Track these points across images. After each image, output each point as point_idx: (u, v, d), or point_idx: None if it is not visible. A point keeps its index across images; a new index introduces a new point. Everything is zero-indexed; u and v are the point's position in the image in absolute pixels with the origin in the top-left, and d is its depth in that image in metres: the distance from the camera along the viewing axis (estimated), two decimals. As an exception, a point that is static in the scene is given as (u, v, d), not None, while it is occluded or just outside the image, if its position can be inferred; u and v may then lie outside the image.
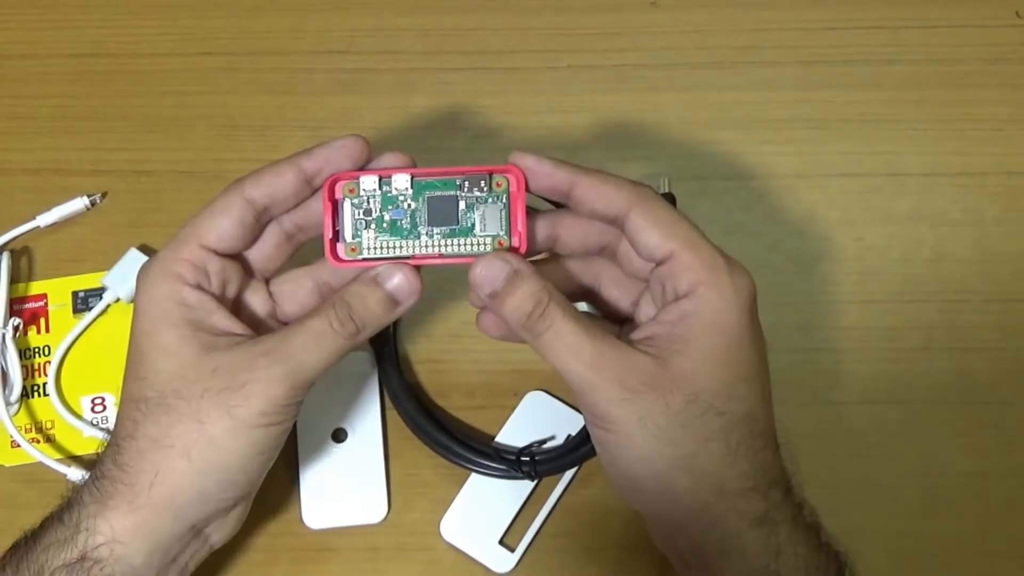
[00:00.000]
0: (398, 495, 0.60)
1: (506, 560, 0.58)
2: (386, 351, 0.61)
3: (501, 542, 0.59)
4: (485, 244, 0.51)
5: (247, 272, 0.53)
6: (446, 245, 0.51)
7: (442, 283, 0.62)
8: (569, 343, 0.48)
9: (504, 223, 0.51)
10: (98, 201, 0.65)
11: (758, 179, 0.65)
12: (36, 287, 0.64)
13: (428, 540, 0.59)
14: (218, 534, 0.53)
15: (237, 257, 0.52)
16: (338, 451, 0.60)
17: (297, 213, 0.52)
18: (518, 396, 0.61)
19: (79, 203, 0.64)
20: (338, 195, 0.51)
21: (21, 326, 0.62)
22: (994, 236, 0.64)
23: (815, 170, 0.65)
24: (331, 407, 0.61)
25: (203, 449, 0.48)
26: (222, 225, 0.50)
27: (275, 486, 0.60)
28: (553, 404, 0.61)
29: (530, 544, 0.59)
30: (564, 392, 0.61)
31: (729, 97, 0.67)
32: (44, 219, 0.64)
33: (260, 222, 0.52)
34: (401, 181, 0.51)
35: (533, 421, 0.60)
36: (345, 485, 0.60)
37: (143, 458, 0.49)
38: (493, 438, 0.60)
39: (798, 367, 0.62)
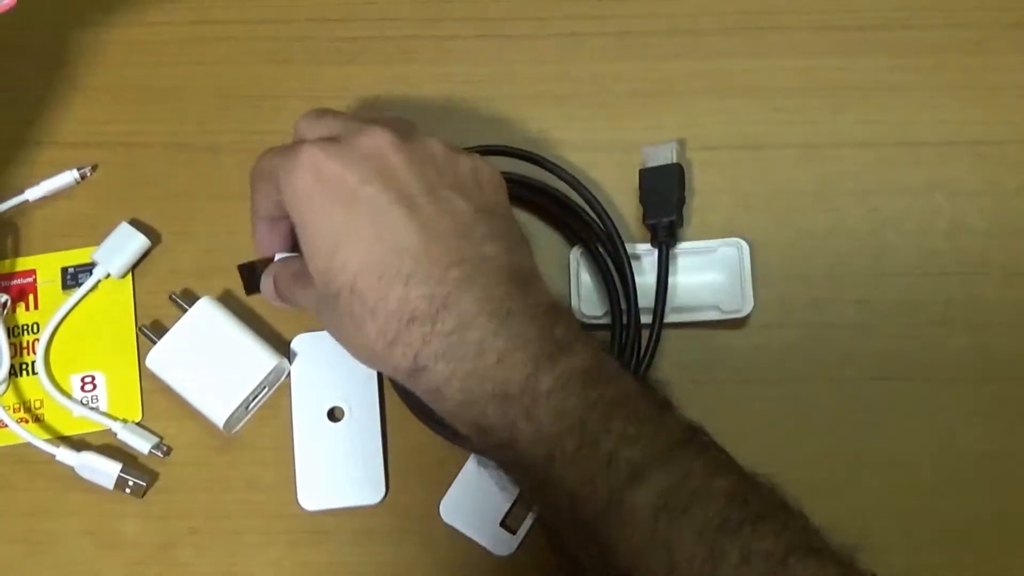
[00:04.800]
0: (396, 476, 0.59)
1: (507, 542, 0.57)
2: (384, 327, 0.59)
3: (502, 524, 0.57)
4: None
5: None
6: None
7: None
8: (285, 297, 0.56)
9: None
10: (88, 174, 0.64)
11: (768, 148, 0.63)
12: (24, 263, 0.63)
13: (427, 522, 0.58)
14: None
15: None
16: (334, 431, 0.59)
17: None
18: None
19: (69, 176, 0.63)
20: None
21: (9, 303, 0.61)
22: (1014, 207, 0.62)
23: (827, 139, 0.63)
24: (327, 385, 0.59)
25: None
26: None
27: (270, 467, 0.59)
28: (556, 381, 0.59)
29: (532, 526, 0.57)
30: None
31: (738, 64, 0.65)
32: (33, 193, 0.63)
33: None
34: None
35: None
36: (342, 466, 0.58)
37: None
38: (494, 417, 0.59)
39: (810, 343, 0.60)
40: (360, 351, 0.50)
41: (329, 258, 0.49)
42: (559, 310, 0.49)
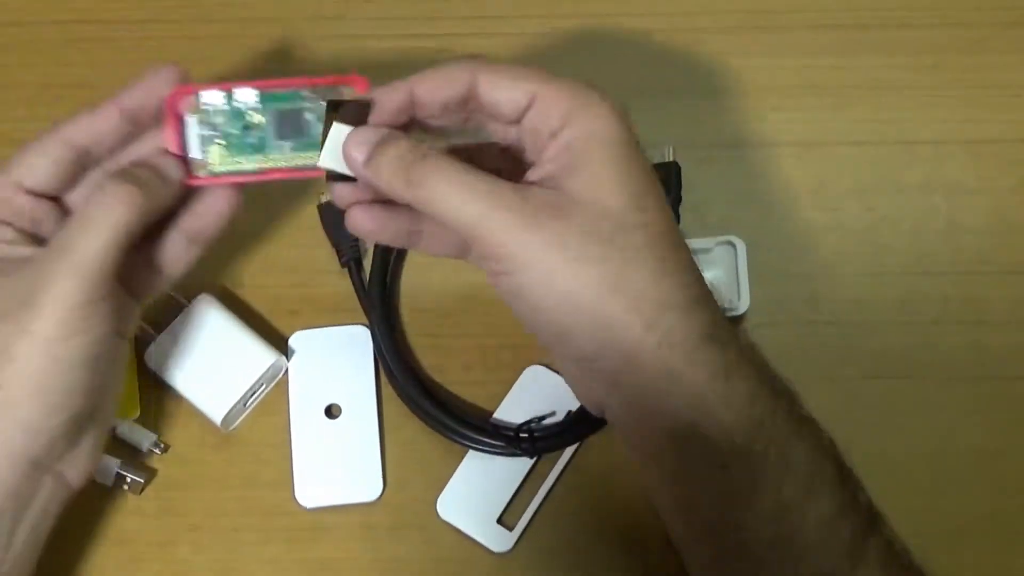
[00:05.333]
0: (393, 473, 0.59)
1: (505, 539, 0.57)
2: (381, 324, 0.59)
3: (499, 520, 0.57)
4: None
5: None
6: (296, 158, 0.51)
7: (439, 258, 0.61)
8: (458, 182, 0.45)
9: None
10: (86, 171, 0.63)
11: (766, 147, 0.63)
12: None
13: (424, 519, 0.58)
14: (73, 471, 0.51)
15: (58, 200, 0.51)
16: (332, 427, 0.59)
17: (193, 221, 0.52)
18: (517, 371, 0.59)
19: (67, 174, 0.63)
20: (182, 110, 0.50)
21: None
22: (1010, 206, 0.62)
23: (825, 138, 0.63)
24: (324, 382, 0.59)
25: (10, 375, 0.46)
26: (34, 162, 0.50)
27: (268, 464, 0.59)
28: (553, 379, 0.59)
29: (529, 523, 0.57)
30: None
31: (736, 63, 0.65)
32: (31, 190, 0.62)
33: (81, 163, 0.50)
34: (246, 94, 0.51)
35: (532, 396, 0.59)
36: (339, 463, 0.58)
37: None
38: (491, 414, 0.59)
39: (807, 341, 0.60)
40: (630, 293, 0.44)
41: (637, 195, 0.45)
42: None
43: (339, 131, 0.48)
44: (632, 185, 0.45)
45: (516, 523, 0.57)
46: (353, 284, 0.61)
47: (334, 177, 0.48)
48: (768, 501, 0.44)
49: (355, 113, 0.48)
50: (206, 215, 0.52)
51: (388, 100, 0.48)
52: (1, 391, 0.46)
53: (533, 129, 0.47)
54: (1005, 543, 0.58)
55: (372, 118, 0.48)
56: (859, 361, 0.60)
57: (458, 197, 0.45)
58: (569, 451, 0.58)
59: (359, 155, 0.47)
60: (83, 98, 0.64)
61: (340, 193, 0.49)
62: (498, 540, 0.57)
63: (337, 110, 0.48)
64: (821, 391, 0.59)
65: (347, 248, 0.61)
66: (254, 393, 0.59)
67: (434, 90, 0.47)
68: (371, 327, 0.60)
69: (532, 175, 0.47)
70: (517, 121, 0.48)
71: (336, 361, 0.60)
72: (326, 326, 0.61)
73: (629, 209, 0.45)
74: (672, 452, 0.46)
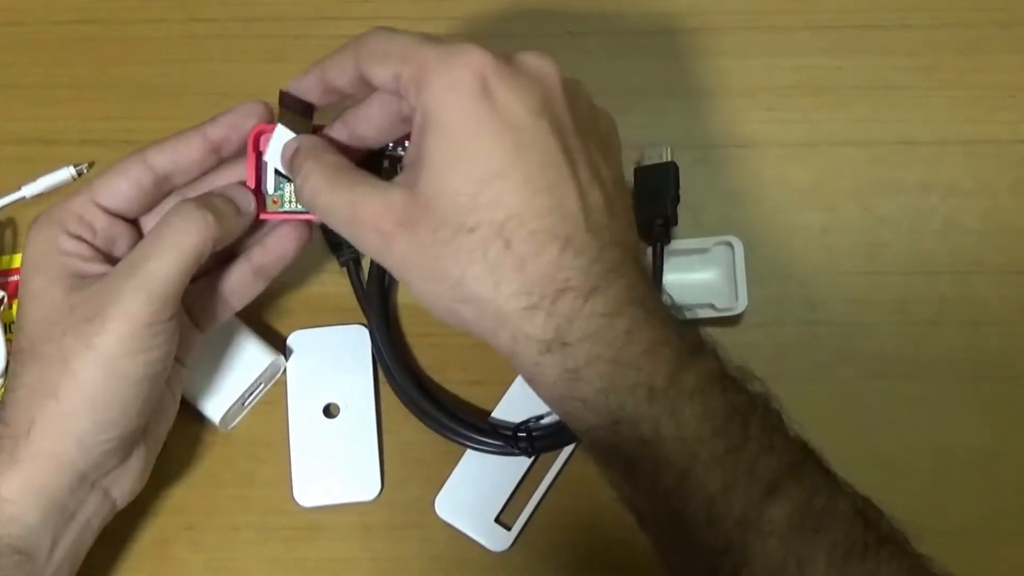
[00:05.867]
0: (392, 472, 0.59)
1: (502, 538, 0.57)
2: (380, 324, 0.59)
3: (497, 520, 0.57)
4: None
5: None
6: None
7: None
8: (324, 199, 0.47)
9: None
10: (85, 171, 0.63)
11: (763, 147, 0.63)
12: (21, 260, 0.62)
13: (422, 518, 0.58)
14: (119, 488, 0.51)
15: (134, 223, 0.53)
16: (330, 427, 0.59)
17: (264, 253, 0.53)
18: (515, 370, 0.59)
19: (65, 173, 0.63)
20: (262, 147, 0.51)
21: (6, 299, 0.61)
22: (1007, 207, 0.62)
23: (822, 138, 0.63)
24: (322, 381, 0.59)
25: (69, 388, 0.47)
26: (116, 183, 0.51)
27: (266, 464, 0.59)
28: (551, 379, 0.59)
29: (527, 522, 0.57)
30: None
31: (733, 63, 0.65)
32: (30, 189, 0.63)
33: (160, 189, 0.52)
34: None
35: (530, 396, 0.57)
36: (337, 462, 0.58)
37: (19, 408, 0.48)
38: (489, 413, 0.59)
39: (805, 341, 0.60)
40: (474, 303, 0.44)
41: (477, 185, 0.43)
42: (678, 310, 0.48)
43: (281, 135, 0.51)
44: (470, 176, 0.43)
45: (514, 522, 0.57)
46: (352, 284, 0.61)
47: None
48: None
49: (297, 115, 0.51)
50: (274, 251, 0.53)
51: (299, 85, 0.51)
52: (59, 403, 0.47)
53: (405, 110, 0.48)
54: (1002, 542, 0.57)
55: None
56: (857, 361, 0.60)
57: (327, 217, 0.47)
58: (567, 450, 0.58)
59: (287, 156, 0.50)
60: (83, 98, 0.65)
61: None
62: (496, 539, 0.57)
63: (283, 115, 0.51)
64: (819, 391, 0.59)
65: (346, 248, 0.61)
66: (252, 392, 0.59)
67: (336, 76, 0.49)
68: (369, 327, 0.60)
69: (405, 162, 0.48)
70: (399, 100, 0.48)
71: (334, 361, 0.60)
72: (324, 326, 0.61)
73: (463, 209, 0.43)
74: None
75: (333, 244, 0.61)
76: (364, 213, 0.45)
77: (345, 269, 0.61)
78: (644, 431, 0.43)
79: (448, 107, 0.44)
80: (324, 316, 0.61)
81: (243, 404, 0.59)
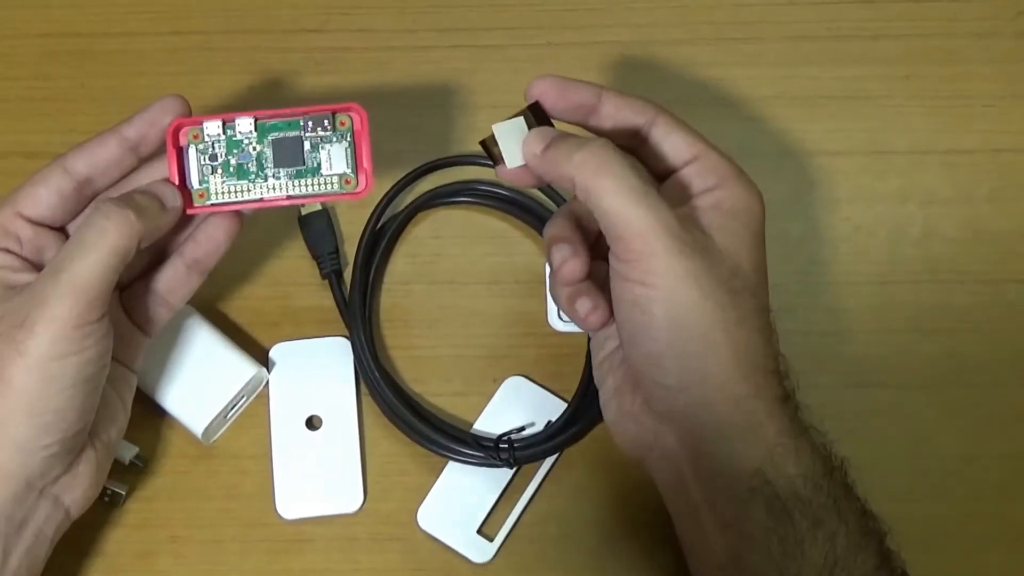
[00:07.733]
0: (374, 484, 0.59)
1: (484, 550, 0.57)
2: (362, 336, 0.59)
3: (479, 531, 0.58)
4: (332, 183, 0.52)
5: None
6: (293, 186, 0.52)
7: (423, 267, 0.62)
8: (628, 183, 0.48)
9: (350, 161, 0.52)
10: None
11: (742, 157, 0.63)
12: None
13: (405, 530, 0.58)
14: (70, 495, 0.51)
15: (62, 230, 0.52)
16: (312, 439, 0.59)
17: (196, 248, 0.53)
18: (497, 382, 0.60)
19: (47, 187, 0.63)
20: (182, 142, 0.52)
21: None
22: (984, 215, 0.63)
23: (800, 148, 0.64)
24: (305, 394, 0.60)
25: (4, 395, 0.47)
26: (37, 192, 0.51)
27: (248, 476, 0.59)
28: (533, 390, 0.59)
29: (509, 533, 0.58)
30: (543, 378, 0.60)
31: (712, 73, 0.65)
32: (11, 203, 0.62)
33: (83, 193, 0.52)
34: (245, 124, 0.52)
35: (512, 407, 0.59)
36: (320, 474, 0.59)
37: None
38: (471, 425, 0.59)
39: (784, 350, 0.60)
40: (721, 340, 0.48)
41: (758, 269, 0.51)
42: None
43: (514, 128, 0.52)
44: (758, 258, 0.50)
45: (496, 534, 0.57)
46: (334, 296, 0.61)
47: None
48: (821, 553, 0.46)
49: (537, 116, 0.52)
50: (205, 243, 0.53)
51: (576, 93, 0.52)
52: None
53: (686, 177, 0.51)
54: (979, 547, 0.58)
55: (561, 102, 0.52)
56: (835, 369, 0.60)
57: (624, 199, 0.47)
58: (549, 461, 0.58)
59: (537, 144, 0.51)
60: (64, 111, 0.65)
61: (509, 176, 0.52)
62: (478, 551, 0.57)
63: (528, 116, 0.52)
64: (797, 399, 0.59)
65: (328, 260, 0.61)
66: (235, 405, 0.59)
67: (618, 108, 0.51)
68: (352, 339, 0.60)
69: (681, 211, 0.50)
70: (671, 168, 0.51)
71: (317, 373, 0.60)
72: (307, 338, 0.61)
73: (751, 279, 0.49)
74: (730, 497, 0.48)
75: (315, 256, 0.61)
76: (666, 215, 0.48)
77: (327, 281, 0.61)
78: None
79: (757, 207, 0.51)
80: (306, 328, 0.61)
81: (225, 417, 0.59)
